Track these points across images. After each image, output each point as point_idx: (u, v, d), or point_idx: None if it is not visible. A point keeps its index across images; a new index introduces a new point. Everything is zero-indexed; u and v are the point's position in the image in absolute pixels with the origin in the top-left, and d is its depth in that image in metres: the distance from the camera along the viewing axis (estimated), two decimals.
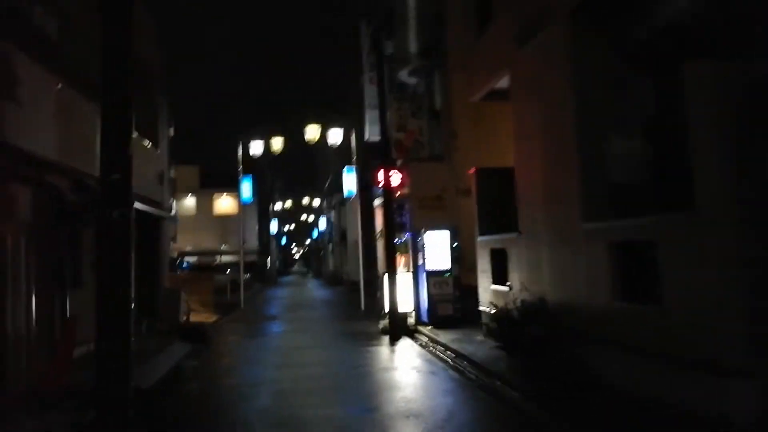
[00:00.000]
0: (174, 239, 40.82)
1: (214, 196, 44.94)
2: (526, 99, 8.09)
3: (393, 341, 11.40)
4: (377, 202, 18.91)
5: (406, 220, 13.23)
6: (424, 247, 12.30)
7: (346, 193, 20.24)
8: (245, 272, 34.22)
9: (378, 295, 18.28)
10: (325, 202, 40.36)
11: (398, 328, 11.88)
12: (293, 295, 28.13)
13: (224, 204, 45.07)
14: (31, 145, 5.67)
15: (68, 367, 5.74)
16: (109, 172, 5.79)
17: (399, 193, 13.34)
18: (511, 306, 7.99)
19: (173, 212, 40.24)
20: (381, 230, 18.00)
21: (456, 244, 12.31)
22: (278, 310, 20.84)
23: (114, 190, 5.79)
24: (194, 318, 16.10)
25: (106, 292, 5.72)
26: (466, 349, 9.19)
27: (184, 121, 41.83)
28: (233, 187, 41.37)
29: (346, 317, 16.86)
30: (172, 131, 40.22)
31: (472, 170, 10.16)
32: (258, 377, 8.33)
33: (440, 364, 8.82)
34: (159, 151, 13.07)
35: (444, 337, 10.72)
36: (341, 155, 26.24)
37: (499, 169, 10.25)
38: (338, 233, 34.28)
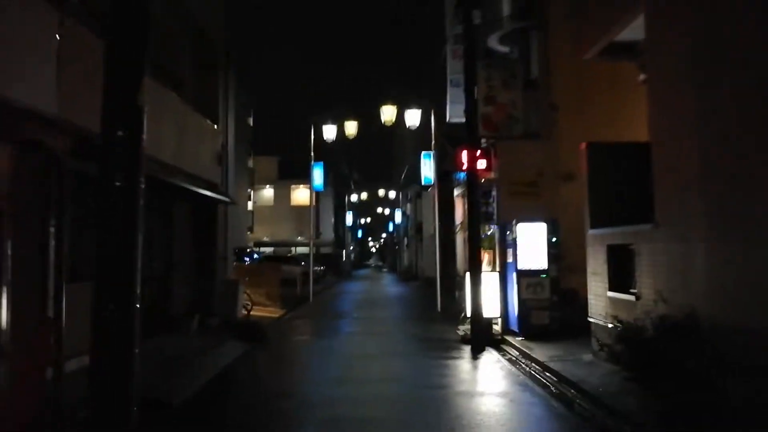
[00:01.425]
0: (251, 229, 41.10)
1: (292, 187, 44.71)
2: (671, 43, 5.93)
3: (475, 353, 9.52)
4: (457, 191, 17.00)
5: (493, 210, 11.26)
6: (514, 243, 10.29)
7: (423, 180, 18.49)
8: (319, 264, 33.49)
9: (457, 295, 16.43)
10: (401, 195, 38.79)
11: (482, 337, 9.98)
12: (366, 290, 26.78)
13: (301, 195, 44.67)
14: (14, 93, 4.40)
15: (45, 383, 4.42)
16: (113, 126, 4.34)
17: (485, 178, 11.38)
18: (643, 322, 5.91)
19: (250, 200, 39.97)
20: (461, 222, 16.11)
21: (555, 239, 10.20)
22: (348, 306, 19.46)
23: (118, 150, 4.32)
24: (258, 312, 15.03)
25: (103, 283, 4.27)
26: (572, 372, 7.16)
27: (264, 111, 41.69)
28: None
29: (420, 318, 15.11)
30: (251, 121, 40.18)
31: (583, 146, 8.06)
32: (312, 395, 6.77)
33: (539, 390, 6.86)
34: (218, 129, 11.90)
35: (539, 352, 8.70)
36: (418, 145, 24.46)
37: (619, 145, 8.11)
38: (414, 227, 32.59)
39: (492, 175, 11.44)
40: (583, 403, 6.12)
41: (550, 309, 10.03)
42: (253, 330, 11.23)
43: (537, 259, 10.20)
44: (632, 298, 6.69)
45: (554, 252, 10.20)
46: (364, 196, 43.40)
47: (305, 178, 40.99)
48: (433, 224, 23.69)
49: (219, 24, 12.30)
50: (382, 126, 16.93)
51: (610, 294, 7.33)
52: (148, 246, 9.28)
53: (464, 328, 11.75)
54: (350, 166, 43.75)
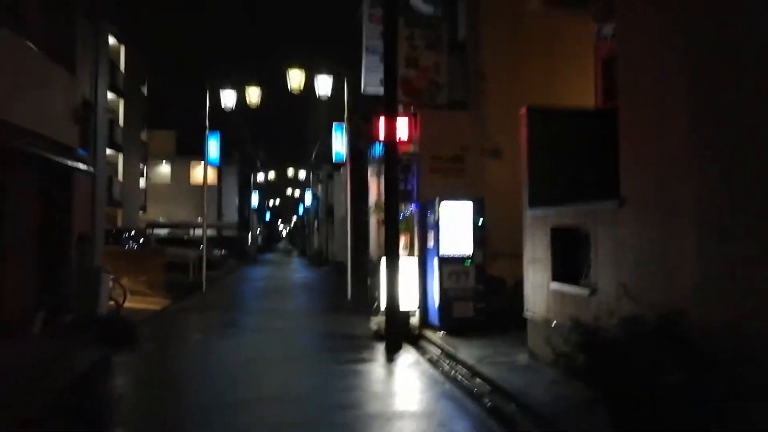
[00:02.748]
0: (144, 209, 37.33)
1: (192, 164, 41.16)
2: None
3: (391, 353, 8.12)
4: (371, 169, 15.50)
5: (413, 188, 9.87)
6: (436, 224, 8.97)
7: (334, 156, 16.81)
8: (221, 248, 30.81)
9: (369, 282, 15.01)
10: (311, 175, 36.82)
11: (398, 332, 8.60)
12: (271, 276, 24.77)
13: (202, 173, 41.23)
14: None
15: None
16: None
17: (405, 152, 9.94)
18: (604, 322, 4.70)
19: (143, 177, 36.06)
20: (375, 204, 14.66)
21: (481, 221, 8.99)
22: (248, 295, 17.51)
23: None
24: (136, 305, 12.79)
25: None
26: (509, 380, 5.91)
27: (162, 81, 37.75)
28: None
29: (328, 309, 13.58)
30: (145, 90, 36.26)
31: (522, 110, 6.79)
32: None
33: (471, 406, 5.53)
34: (78, 79, 9.48)
35: (465, 351, 7.44)
36: (330, 121, 22.73)
37: (566, 111, 6.95)
38: (324, 209, 30.87)
39: (412, 148, 10.05)
40: (528, 422, 4.86)
41: (474, 300, 8.84)
42: (119, 329, 9.12)
43: (461, 243, 8.95)
44: (584, 291, 5.50)
45: (480, 236, 8.99)
46: (272, 175, 40.85)
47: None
48: (344, 206, 22.07)
49: None
50: (291, 98, 15.10)
51: (554, 286, 6.13)
52: None
53: (377, 321, 10.36)
54: (256, 141, 40.98)
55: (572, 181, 6.31)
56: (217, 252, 28.87)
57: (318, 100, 17.82)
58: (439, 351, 8.00)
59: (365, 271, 15.98)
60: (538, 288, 6.48)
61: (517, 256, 9.66)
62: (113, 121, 30.71)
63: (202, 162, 42.41)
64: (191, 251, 22.11)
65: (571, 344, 4.61)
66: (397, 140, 9.07)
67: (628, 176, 4.83)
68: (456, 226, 8.95)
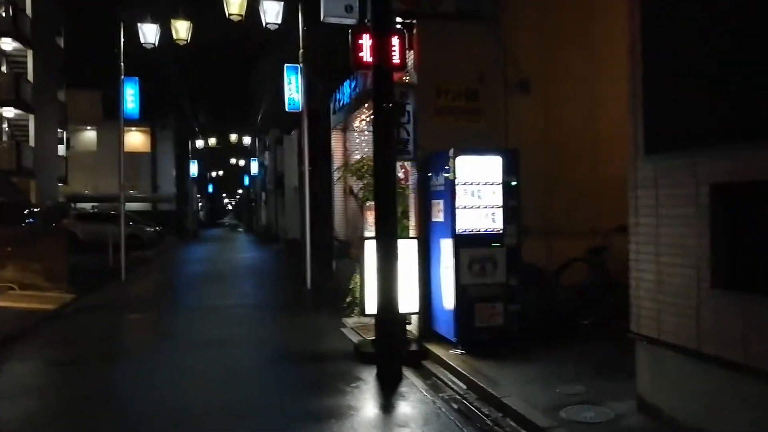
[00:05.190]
0: (64, 180, 32.59)
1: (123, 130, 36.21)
2: None
3: (387, 389, 5.25)
4: (336, 122, 12.30)
5: (409, 136, 6.81)
6: (451, 188, 6.00)
7: (287, 104, 13.44)
8: (155, 224, 26.83)
9: (335, 267, 12.01)
10: (257, 142, 32.99)
11: (396, 355, 5.67)
12: (213, 258, 21.24)
13: (135, 140, 36.53)
14: None
15: None
16: None
17: (396, 82, 6.86)
18: None
19: (62, 144, 31.41)
20: (343, 166, 11.56)
21: (514, 182, 6.09)
22: (182, 284, 14.13)
23: None
24: (21, 304, 9.55)
25: None
26: None
27: (85, 35, 32.50)
28: (146, 121, 32.75)
29: (285, 305, 10.51)
30: (61, 42, 31.08)
31: None
32: None
33: None
34: None
35: (512, 390, 4.62)
36: (278, 73, 19.19)
37: None
38: (273, 179, 27.34)
39: (407, 78, 7.00)
40: None
41: (505, 300, 5.98)
42: None
43: (485, 217, 6.04)
44: None
45: (513, 205, 6.09)
46: (213, 142, 36.65)
47: (140, 119, 33.27)
48: (297, 174, 18.83)
49: None
50: (233, 50, 11.69)
51: (723, 295, 3.29)
52: None
53: (355, 325, 7.57)
54: (194, 103, 36.49)
55: (736, 100, 3.44)
56: (149, 229, 25.05)
57: (263, 50, 14.41)
58: (464, 386, 5.13)
59: (327, 252, 12.98)
60: (674, 295, 3.63)
61: (555, 234, 6.93)
62: (20, 75, 25.94)
63: (134, 128, 37.49)
64: (111, 227, 18.29)
65: None
66: (389, 64, 5.99)
67: None
68: (478, 191, 6.02)
